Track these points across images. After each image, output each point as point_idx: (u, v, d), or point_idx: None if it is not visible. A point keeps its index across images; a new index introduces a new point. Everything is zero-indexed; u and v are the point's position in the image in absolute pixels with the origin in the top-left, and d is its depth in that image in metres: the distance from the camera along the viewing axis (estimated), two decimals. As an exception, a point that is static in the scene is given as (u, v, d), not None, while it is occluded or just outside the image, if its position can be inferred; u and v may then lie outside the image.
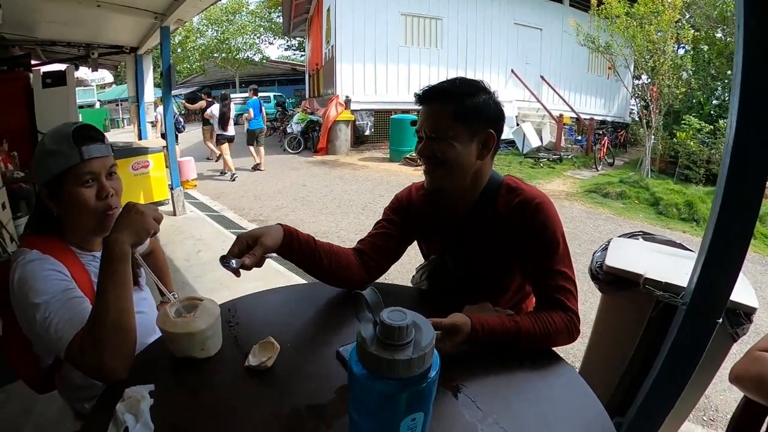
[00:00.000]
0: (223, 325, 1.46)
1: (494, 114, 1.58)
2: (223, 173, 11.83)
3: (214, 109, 11.68)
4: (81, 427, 1.20)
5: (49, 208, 1.52)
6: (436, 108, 1.55)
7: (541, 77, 17.67)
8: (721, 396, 3.45)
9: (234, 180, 11.28)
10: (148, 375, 1.30)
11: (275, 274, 5.15)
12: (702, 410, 3.31)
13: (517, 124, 15.01)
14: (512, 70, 16.87)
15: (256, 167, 12.58)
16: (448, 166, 1.55)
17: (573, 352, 3.52)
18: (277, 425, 1.13)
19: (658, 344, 1.93)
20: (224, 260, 1.41)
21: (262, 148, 12.63)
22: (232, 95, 24.56)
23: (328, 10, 16.24)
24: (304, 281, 4.87)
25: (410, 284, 2.06)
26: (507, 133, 14.60)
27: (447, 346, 1.31)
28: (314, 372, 1.32)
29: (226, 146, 11.59)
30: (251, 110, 12.46)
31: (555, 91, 17.27)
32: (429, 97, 1.58)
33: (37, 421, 2.94)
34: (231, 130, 11.66)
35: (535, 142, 14.10)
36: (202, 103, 13.73)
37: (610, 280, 2.40)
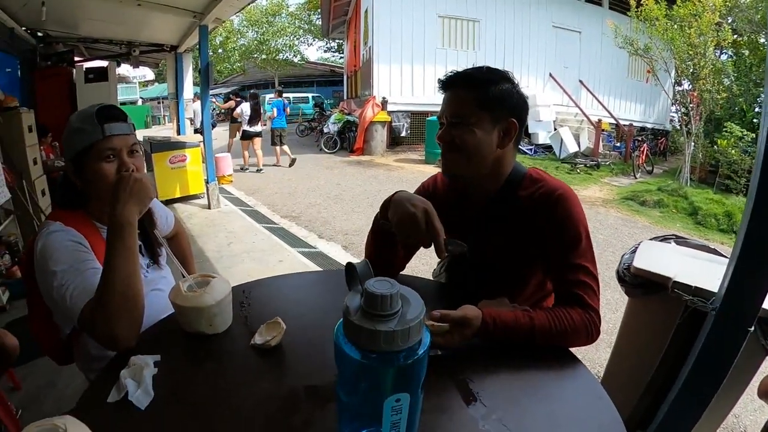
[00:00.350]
0: (235, 305, 1.51)
1: (517, 103, 1.54)
2: (245, 169, 12.38)
3: (244, 108, 12.02)
4: (85, 391, 1.21)
5: (74, 184, 1.60)
6: (459, 94, 1.53)
7: (580, 81, 17.35)
8: (752, 416, 3.18)
9: (259, 171, 12.01)
10: (155, 346, 1.35)
11: (302, 267, 5.22)
12: (730, 430, 3.07)
13: (555, 129, 14.80)
14: (550, 74, 16.67)
15: (292, 162, 12.92)
16: (466, 152, 1.53)
17: (600, 362, 3.42)
18: (274, 402, 1.13)
19: (686, 353, 1.86)
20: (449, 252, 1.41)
21: (285, 147, 12.99)
22: (268, 96, 25.33)
23: (366, 11, 16.38)
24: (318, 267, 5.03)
25: (432, 277, 2.04)
26: (544, 138, 14.46)
27: (456, 339, 1.27)
28: (317, 354, 1.31)
29: (258, 141, 12.12)
30: (275, 110, 13.19)
31: (594, 95, 16.95)
32: (453, 82, 1.55)
33: (58, 395, 3.07)
34: (258, 127, 12.11)
35: (572, 147, 13.88)
36: (231, 103, 14.10)
37: (637, 282, 2.32)
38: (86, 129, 1.52)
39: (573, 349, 1.40)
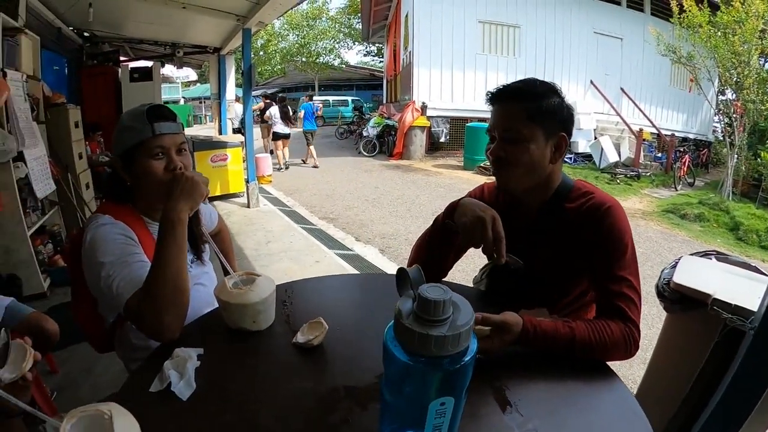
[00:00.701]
0: (278, 303, 1.55)
1: (567, 117, 1.54)
2: (279, 168, 12.90)
3: (273, 111, 12.77)
4: (128, 379, 1.26)
5: (123, 179, 1.66)
6: (511, 108, 1.52)
7: (621, 89, 16.94)
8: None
9: (287, 169, 12.92)
10: (199, 340, 1.40)
11: (338, 268, 5.25)
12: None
13: (595, 138, 14.53)
14: (591, 81, 16.30)
15: (314, 166, 13.49)
16: (521, 167, 1.52)
17: (633, 378, 3.35)
18: (313, 399, 1.16)
19: (723, 371, 1.84)
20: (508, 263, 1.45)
21: (312, 147, 13.69)
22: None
23: (406, 16, 16.34)
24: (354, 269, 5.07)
25: (472, 284, 2.05)
26: (584, 147, 14.26)
27: (495, 344, 1.27)
28: (358, 355, 1.34)
29: (286, 142, 13.08)
30: (303, 112, 14.09)
31: (635, 104, 16.54)
32: (503, 96, 1.54)
33: (94, 381, 3.17)
34: (287, 129, 13.06)
35: (612, 156, 13.64)
36: (261, 105, 14.78)
37: (676, 298, 2.29)
38: (136, 127, 1.58)
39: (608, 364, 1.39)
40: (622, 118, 15.56)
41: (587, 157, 14.30)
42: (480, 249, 1.42)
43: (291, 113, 13.12)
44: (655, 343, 2.55)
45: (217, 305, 1.52)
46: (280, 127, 12.90)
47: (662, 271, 2.54)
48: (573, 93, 15.38)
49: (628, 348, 1.38)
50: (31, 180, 4.42)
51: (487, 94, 1.59)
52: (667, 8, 14.00)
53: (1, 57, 4.03)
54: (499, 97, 1.55)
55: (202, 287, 1.80)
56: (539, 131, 1.49)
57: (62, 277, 4.63)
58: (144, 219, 1.70)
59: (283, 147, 13.07)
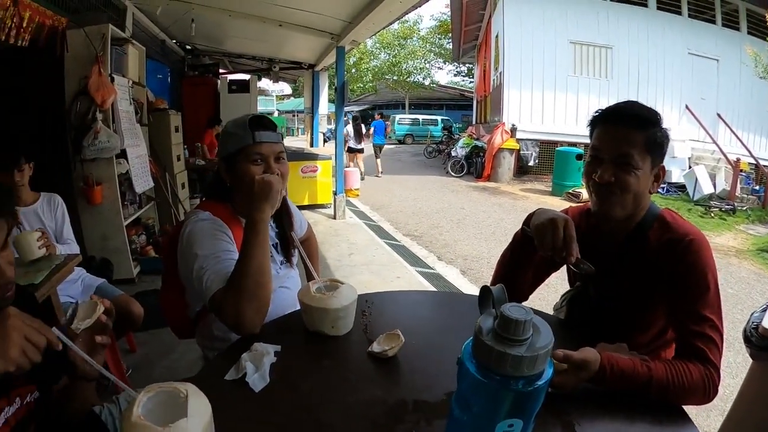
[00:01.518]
0: (357, 312, 1.60)
1: (667, 147, 1.51)
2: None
3: (348, 128, 13.53)
4: (205, 365, 1.36)
5: (224, 180, 1.79)
6: (629, 133, 1.45)
7: (717, 114, 15.72)
8: None
9: (363, 180, 13.22)
10: (278, 338, 1.47)
11: (418, 286, 5.24)
12: None
13: (690, 167, 13.80)
14: (686, 106, 15.34)
15: (376, 175, 15.08)
16: (629, 194, 1.47)
17: (709, 429, 3.14)
18: (381, 408, 1.17)
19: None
20: (578, 266, 1.45)
21: (379, 160, 15.60)
22: (399, 116, 26.86)
23: (497, 36, 16.15)
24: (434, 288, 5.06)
25: (552, 311, 2.01)
26: (678, 176, 13.56)
27: (570, 380, 1.23)
28: (431, 371, 1.33)
29: (360, 156, 14.30)
30: (373, 128, 15.73)
31: (732, 131, 15.24)
32: (620, 118, 1.49)
33: (170, 364, 3.37)
34: (360, 145, 14.15)
35: (707, 188, 12.82)
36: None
37: (763, 344, 2.15)
38: (239, 134, 1.70)
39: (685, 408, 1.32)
40: (718, 146, 14.46)
41: (681, 187, 13.51)
42: (558, 264, 1.39)
43: (363, 131, 14.14)
44: (737, 393, 2.40)
45: (299, 308, 1.58)
46: (353, 143, 13.80)
47: (751, 314, 2.38)
48: (667, 118, 14.44)
49: (706, 392, 1.32)
50: (132, 176, 4.83)
51: (596, 112, 1.55)
52: (764, 26, 13.14)
53: (110, 64, 4.36)
54: (615, 119, 1.50)
55: (287, 290, 1.88)
56: (649, 160, 1.46)
57: (151, 266, 5.02)
58: (240, 218, 1.79)
59: (358, 160, 14.16)
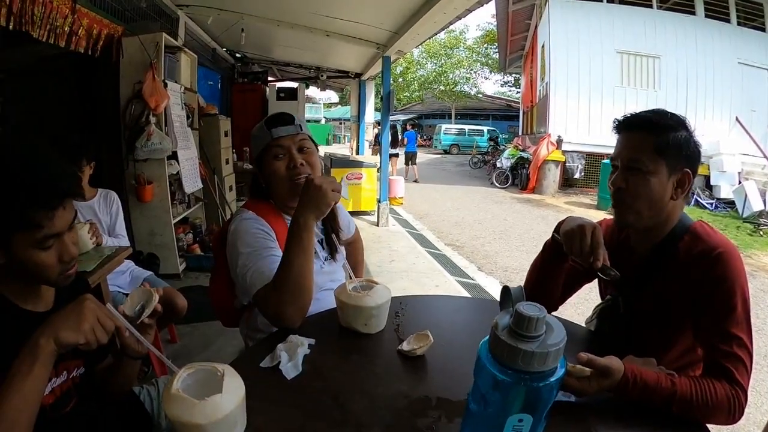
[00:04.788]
0: (390, 313, 1.65)
1: (693, 153, 1.48)
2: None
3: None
4: (242, 351, 1.45)
5: (260, 180, 1.89)
6: (638, 137, 1.48)
7: None
8: None
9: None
10: (313, 331, 1.54)
11: (456, 293, 5.22)
12: None
13: (740, 182, 13.27)
14: (737, 118, 14.72)
15: (415, 181, 16.36)
16: (641, 200, 1.47)
17: None
18: (405, 402, 1.22)
19: None
20: (604, 271, 1.47)
21: (415, 167, 16.94)
22: (445, 125, 27.01)
23: (543, 46, 15.93)
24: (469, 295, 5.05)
25: (584, 324, 2.02)
26: (727, 192, 13.05)
27: (592, 386, 1.22)
28: (457, 372, 1.36)
29: (395, 160, 15.09)
30: (405, 138, 16.80)
31: None
32: (631, 125, 1.52)
33: (208, 356, 3.45)
34: (396, 150, 15.00)
35: (757, 204, 12.19)
36: (375, 131, 15.88)
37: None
38: (260, 135, 1.81)
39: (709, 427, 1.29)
40: None
41: (730, 203, 12.98)
42: (589, 274, 1.41)
43: (398, 138, 15.42)
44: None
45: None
46: (390, 148, 13.94)
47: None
48: (717, 130, 14.00)
49: (731, 413, 1.28)
50: (182, 177, 5.05)
51: (614, 122, 1.58)
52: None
53: (163, 70, 4.54)
54: (627, 126, 1.53)
55: (332, 284, 1.90)
56: (663, 165, 1.44)
57: (196, 264, 5.24)
58: (283, 215, 1.86)
59: (394, 165, 14.83)
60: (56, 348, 1.01)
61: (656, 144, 1.44)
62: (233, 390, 1.02)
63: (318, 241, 1.90)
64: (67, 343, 1.02)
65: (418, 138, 18.59)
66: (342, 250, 1.99)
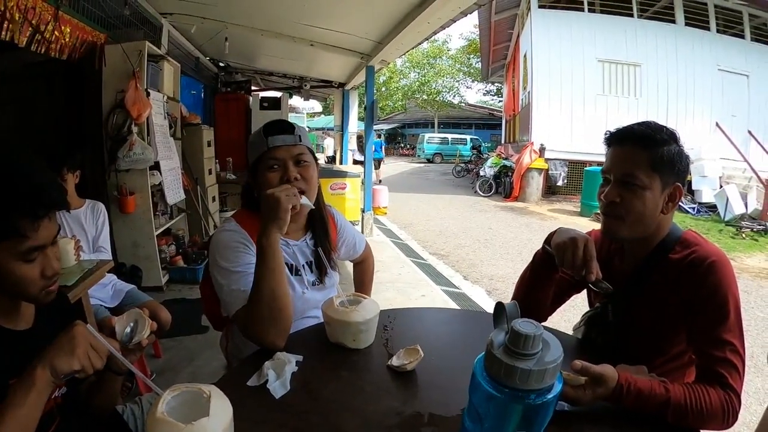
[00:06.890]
0: (379, 327, 1.62)
1: (684, 167, 1.49)
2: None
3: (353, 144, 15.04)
4: (228, 370, 1.38)
5: (253, 190, 1.77)
6: (633, 152, 1.47)
7: (749, 132, 15.25)
8: None
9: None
10: (301, 348, 1.51)
11: (443, 304, 5.23)
12: None
13: (721, 186, 13.44)
14: (717, 124, 14.98)
15: (379, 182, 17.29)
16: (634, 215, 1.47)
17: None
18: (397, 419, 1.20)
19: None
20: (597, 284, 1.47)
21: (380, 171, 19.06)
22: (428, 135, 27.76)
23: (525, 55, 16.11)
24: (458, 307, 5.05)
25: (572, 331, 2.01)
26: (709, 196, 13.20)
27: (587, 396, 1.22)
28: (448, 386, 1.35)
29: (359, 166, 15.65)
30: (373, 146, 15.94)
31: (764, 148, 14.70)
32: (625, 139, 1.50)
33: (193, 370, 3.46)
34: (362, 157, 15.85)
35: (738, 208, 12.36)
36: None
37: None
38: (256, 142, 1.69)
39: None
40: (749, 165, 13.99)
41: (711, 207, 13.13)
42: (579, 285, 1.41)
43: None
44: (761, 418, 2.36)
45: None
46: (358, 156, 14.57)
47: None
48: (697, 136, 14.04)
49: (725, 418, 1.29)
50: (164, 187, 5.01)
51: (605, 134, 1.57)
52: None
53: (146, 79, 4.51)
54: (621, 139, 1.52)
55: (312, 319, 1.84)
56: (657, 180, 1.45)
57: (179, 276, 5.19)
58: None
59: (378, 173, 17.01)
60: (53, 378, 1.01)
61: (652, 159, 1.44)
62: (220, 412, 0.98)
63: (306, 263, 1.83)
64: (63, 371, 1.02)
65: (401, 148, 19.40)
66: (334, 273, 1.93)
